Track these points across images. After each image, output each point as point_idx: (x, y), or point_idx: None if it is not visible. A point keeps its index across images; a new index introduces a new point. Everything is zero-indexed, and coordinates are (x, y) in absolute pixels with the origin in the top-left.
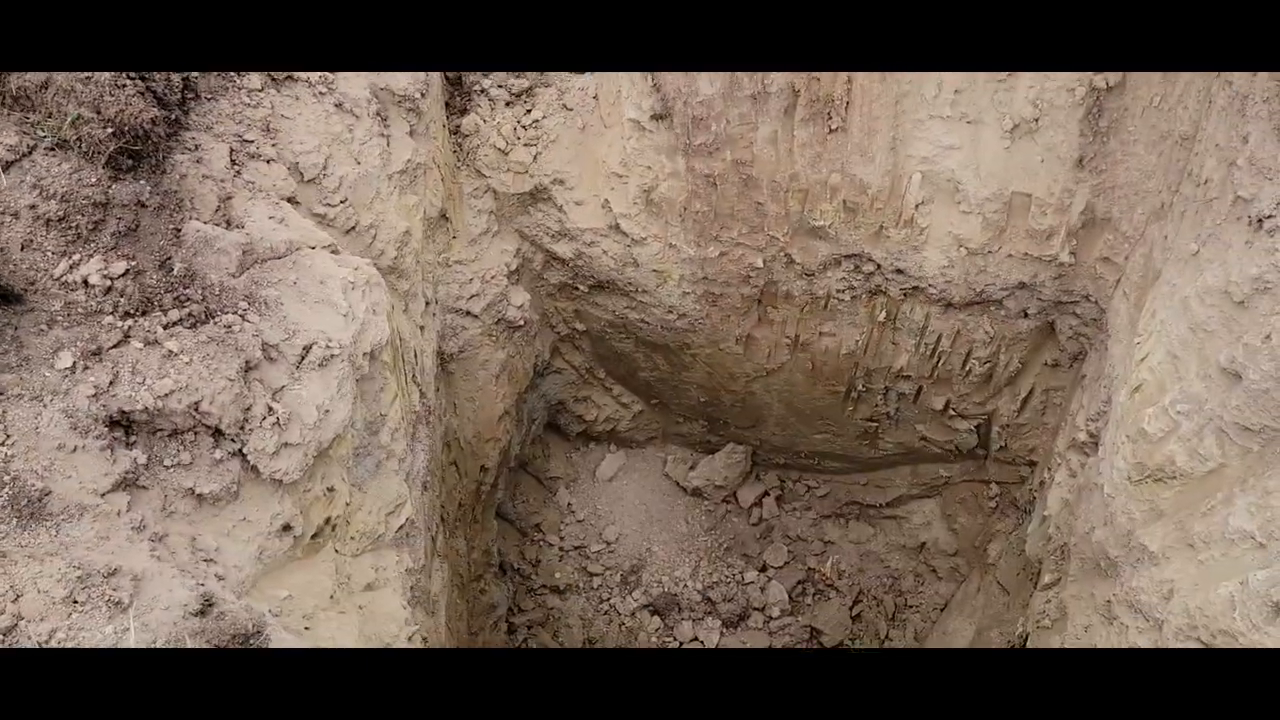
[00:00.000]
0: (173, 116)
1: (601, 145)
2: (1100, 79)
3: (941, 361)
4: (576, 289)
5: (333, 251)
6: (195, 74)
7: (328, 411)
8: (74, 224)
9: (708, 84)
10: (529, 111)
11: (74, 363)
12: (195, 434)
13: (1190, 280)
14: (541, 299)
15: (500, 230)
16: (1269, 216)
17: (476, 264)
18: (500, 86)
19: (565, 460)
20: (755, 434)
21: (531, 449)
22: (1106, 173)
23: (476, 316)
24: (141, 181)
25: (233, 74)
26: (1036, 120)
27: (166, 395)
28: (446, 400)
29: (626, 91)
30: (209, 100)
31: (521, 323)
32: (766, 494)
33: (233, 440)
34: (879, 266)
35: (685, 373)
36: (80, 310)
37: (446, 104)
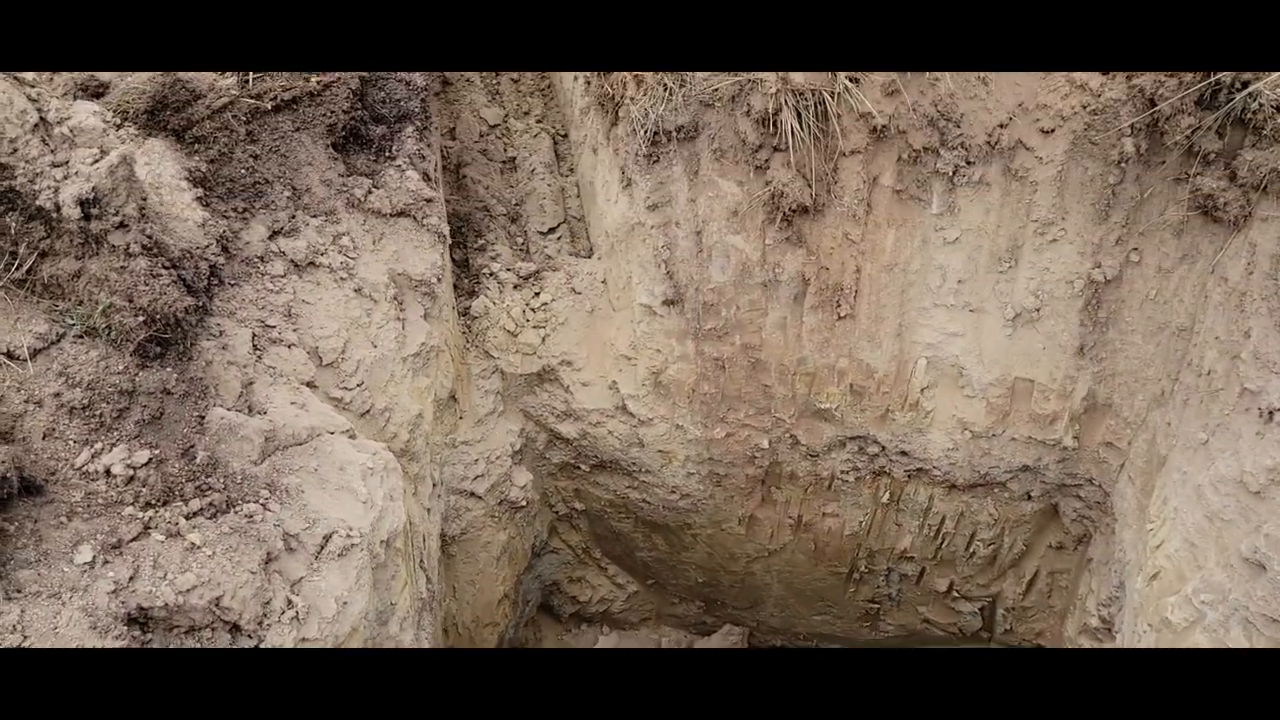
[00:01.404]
0: (200, 304)
1: (610, 328)
2: (1099, 273)
3: (945, 543)
4: (578, 468)
5: (350, 436)
6: (222, 260)
7: (346, 603)
8: (98, 412)
9: (719, 272)
10: (537, 294)
11: (94, 557)
12: (213, 630)
13: (1202, 468)
14: (542, 478)
15: (505, 410)
16: (1277, 410)
17: (482, 444)
18: (509, 270)
19: (558, 643)
20: (753, 615)
21: (524, 632)
22: (1107, 360)
23: (480, 498)
24: (168, 369)
25: (257, 260)
26: (1037, 310)
27: (188, 591)
28: (446, 584)
29: (638, 277)
30: (232, 286)
31: (524, 503)
32: None
33: (250, 636)
34: (883, 448)
35: (684, 553)
36: (101, 501)
37: (455, 286)
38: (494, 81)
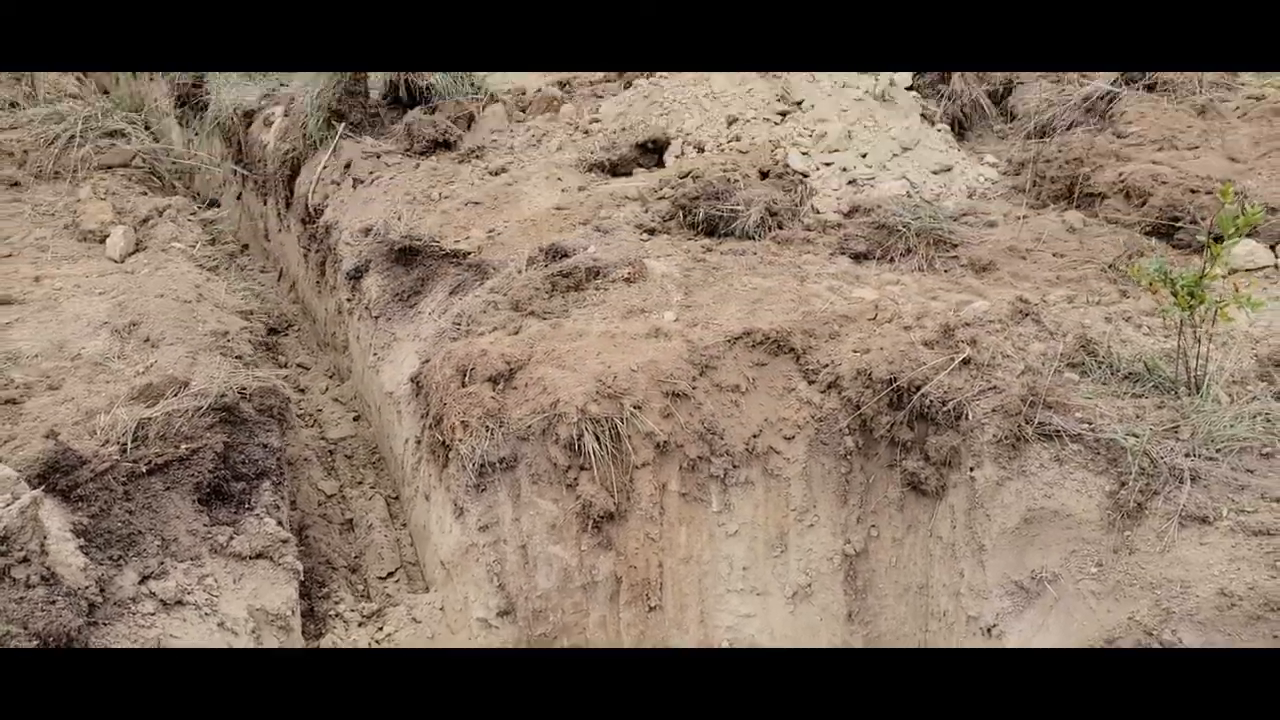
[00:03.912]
0: (86, 630)
1: (451, 647)
2: (849, 548)
3: None
4: None
5: None
6: (99, 600)
7: None
8: None
9: (544, 579)
10: (381, 628)
11: None
12: None
13: None
14: None
15: None
16: (993, 625)
17: None
18: (353, 611)
19: None
20: None
21: None
22: (871, 623)
23: None
24: None
25: (129, 602)
26: (809, 586)
27: None
28: None
29: (474, 595)
30: (106, 625)
31: None
32: None
33: None
34: None
35: None
36: None
37: (303, 630)
38: (330, 460)
